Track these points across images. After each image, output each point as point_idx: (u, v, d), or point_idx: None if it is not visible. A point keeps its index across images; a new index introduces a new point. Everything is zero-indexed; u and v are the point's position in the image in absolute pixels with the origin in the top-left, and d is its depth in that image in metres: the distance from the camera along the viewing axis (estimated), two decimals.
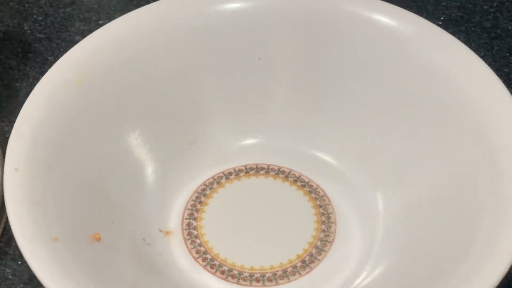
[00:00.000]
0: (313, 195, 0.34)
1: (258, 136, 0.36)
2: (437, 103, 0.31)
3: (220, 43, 0.34)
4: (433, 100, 0.31)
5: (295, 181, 0.34)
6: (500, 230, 0.25)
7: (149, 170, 0.33)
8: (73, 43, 0.42)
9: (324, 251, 0.31)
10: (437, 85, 0.31)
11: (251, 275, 0.31)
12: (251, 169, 0.35)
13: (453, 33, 0.43)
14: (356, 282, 0.30)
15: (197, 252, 0.31)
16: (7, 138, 0.37)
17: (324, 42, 0.34)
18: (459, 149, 0.30)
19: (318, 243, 0.32)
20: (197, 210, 0.33)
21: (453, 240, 0.27)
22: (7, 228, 0.33)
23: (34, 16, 0.45)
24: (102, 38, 0.32)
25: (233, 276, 0.31)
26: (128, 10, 0.45)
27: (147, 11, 0.33)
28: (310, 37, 0.34)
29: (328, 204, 0.33)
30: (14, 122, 0.37)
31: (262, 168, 0.35)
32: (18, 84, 0.40)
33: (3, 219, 0.33)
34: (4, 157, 0.35)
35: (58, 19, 0.44)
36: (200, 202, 0.33)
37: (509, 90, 0.39)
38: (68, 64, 0.31)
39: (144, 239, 0.31)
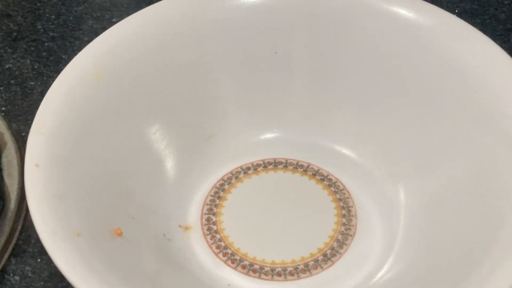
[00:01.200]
0: (332, 189, 0.33)
1: (276, 130, 0.36)
2: (459, 94, 0.30)
3: (237, 37, 0.34)
4: (454, 92, 0.31)
5: (314, 174, 0.34)
6: None
7: (168, 165, 0.33)
8: (86, 41, 0.42)
9: (346, 244, 0.31)
10: (458, 77, 0.31)
11: (272, 270, 0.30)
12: (269, 163, 0.35)
13: None
14: (378, 276, 0.30)
15: (218, 247, 0.31)
16: (23, 136, 0.37)
17: (342, 35, 0.33)
18: (481, 142, 0.29)
19: (339, 237, 0.31)
20: (216, 205, 0.33)
21: (474, 235, 0.27)
22: (24, 227, 0.33)
23: (47, 15, 0.45)
24: (119, 33, 0.32)
25: (254, 271, 0.30)
26: (141, 7, 0.44)
27: (164, 5, 0.33)
28: (327, 30, 0.33)
29: (348, 198, 0.33)
30: (29, 120, 0.37)
31: (280, 163, 0.35)
32: (32, 83, 0.40)
33: (21, 217, 0.33)
34: (19, 155, 0.35)
35: (71, 18, 0.44)
36: (219, 197, 0.33)
37: None
38: (86, 59, 0.31)
39: (164, 235, 0.31)
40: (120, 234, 0.28)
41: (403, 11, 0.33)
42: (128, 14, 0.44)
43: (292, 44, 0.34)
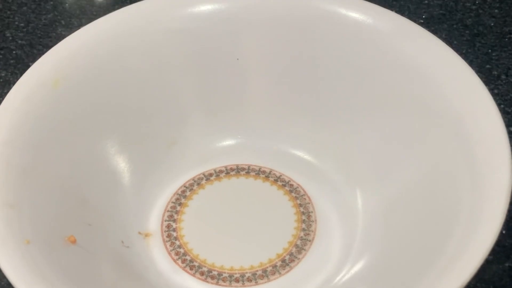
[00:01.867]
0: (293, 194, 0.34)
1: (239, 136, 0.36)
2: (415, 99, 0.31)
3: (197, 45, 0.34)
4: (411, 97, 0.31)
5: (276, 180, 0.34)
6: (475, 226, 0.25)
7: (128, 173, 0.33)
8: None
9: (304, 249, 0.31)
10: (415, 82, 0.31)
11: (230, 276, 0.30)
12: (232, 169, 0.35)
13: (435, 30, 0.43)
14: (336, 280, 0.30)
15: (177, 253, 0.31)
16: None
17: (301, 41, 0.34)
18: (437, 146, 0.29)
19: (298, 242, 0.32)
20: (176, 212, 0.33)
21: (430, 236, 0.27)
22: None
23: (16, 23, 0.45)
24: (78, 41, 0.32)
25: (212, 277, 0.30)
26: None
27: (123, 13, 0.33)
28: (287, 37, 0.34)
29: (309, 203, 0.33)
30: None
31: (243, 169, 0.35)
32: None
33: None
34: None
35: (40, 26, 0.45)
36: (180, 204, 0.33)
37: (491, 86, 0.40)
38: (44, 66, 0.31)
39: (122, 242, 0.31)
40: (74, 242, 0.28)
41: (362, 17, 0.33)
42: None
43: (253, 51, 0.34)
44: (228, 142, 0.36)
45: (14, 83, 0.40)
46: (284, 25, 0.34)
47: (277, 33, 0.34)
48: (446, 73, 0.30)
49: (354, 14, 0.33)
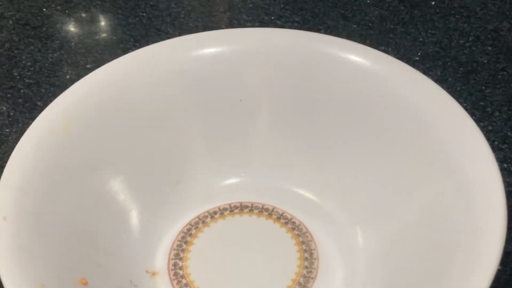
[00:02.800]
0: (296, 232, 0.35)
1: (242, 174, 0.37)
2: (412, 140, 0.32)
3: (201, 86, 0.35)
4: (407, 138, 0.32)
5: (279, 218, 0.35)
6: (473, 263, 0.26)
7: (135, 213, 0.34)
8: (61, 87, 0.43)
9: (307, 287, 0.32)
10: (412, 123, 0.32)
11: None
12: (236, 207, 0.36)
13: (430, 68, 0.44)
14: None
15: None
16: None
17: (302, 82, 0.35)
18: (433, 186, 0.31)
19: (301, 280, 0.33)
20: (183, 250, 0.34)
21: (430, 274, 0.28)
22: None
23: (23, 62, 0.46)
24: (87, 86, 0.33)
25: None
26: (115, 53, 0.46)
27: (129, 58, 0.34)
28: (289, 78, 0.35)
29: (311, 241, 0.34)
30: (4, 168, 0.38)
31: (246, 206, 0.36)
32: (8, 130, 0.41)
33: None
34: None
35: (47, 64, 0.46)
36: (186, 242, 0.34)
37: (485, 122, 0.41)
38: (54, 112, 0.32)
39: (131, 281, 0.32)
40: (85, 284, 0.29)
41: (360, 60, 0.34)
42: (102, 59, 0.46)
43: (256, 92, 0.36)
44: (232, 180, 0.37)
45: (22, 122, 0.42)
46: (286, 67, 0.35)
47: (279, 75, 0.35)
48: (441, 115, 0.31)
49: (352, 57, 0.34)
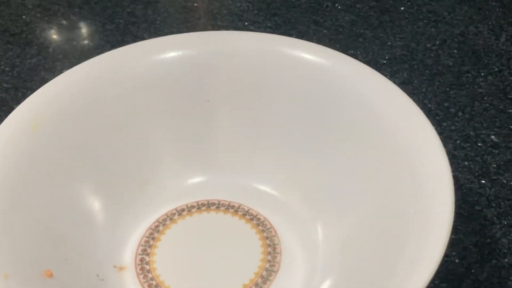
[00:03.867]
0: (260, 228, 0.36)
1: (209, 173, 0.38)
2: (369, 137, 0.33)
3: (166, 89, 0.36)
4: (365, 135, 0.33)
5: (244, 214, 0.36)
6: (419, 257, 0.27)
7: (104, 211, 0.35)
8: None
9: (269, 280, 0.33)
10: (369, 121, 0.33)
11: None
12: (203, 205, 0.37)
13: (397, 70, 0.46)
14: None
15: (149, 285, 0.33)
16: None
17: (265, 83, 0.36)
18: (388, 183, 0.32)
19: (264, 273, 0.34)
20: (150, 246, 0.35)
21: (381, 265, 0.29)
22: None
23: (2, 67, 0.47)
24: (56, 87, 0.34)
25: None
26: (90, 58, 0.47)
27: (97, 61, 0.36)
28: (252, 79, 0.36)
29: (274, 236, 0.35)
30: None
31: (213, 204, 0.37)
32: None
33: None
34: None
35: (25, 69, 0.47)
36: (153, 238, 0.35)
37: (449, 122, 0.42)
38: (24, 112, 0.33)
39: (98, 275, 0.33)
40: (50, 276, 0.30)
41: (319, 60, 0.35)
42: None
43: (219, 93, 0.37)
44: (199, 179, 0.38)
45: None
46: (250, 68, 0.36)
47: (241, 75, 0.36)
48: (396, 113, 0.32)
49: (312, 57, 0.36)
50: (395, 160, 0.32)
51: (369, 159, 0.33)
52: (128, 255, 0.35)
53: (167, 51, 0.36)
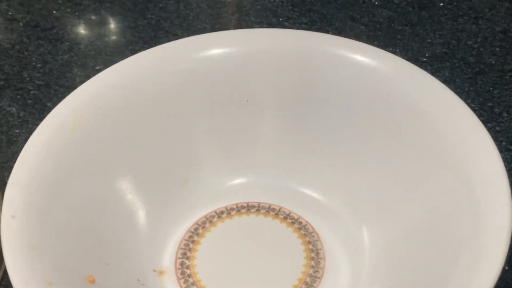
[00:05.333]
0: (302, 232, 0.35)
1: (249, 175, 0.37)
2: (418, 140, 0.32)
3: (208, 87, 0.35)
4: (414, 138, 0.32)
5: (285, 218, 0.35)
6: (477, 265, 0.26)
7: (142, 212, 0.34)
8: (70, 89, 0.44)
9: (313, 287, 0.32)
10: (417, 123, 0.32)
11: None
12: (243, 207, 0.36)
13: (438, 69, 0.45)
14: None
15: None
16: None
17: (308, 82, 0.35)
18: (439, 186, 0.31)
19: (308, 279, 0.33)
20: (190, 249, 0.34)
21: (434, 271, 0.28)
22: (5, 277, 0.34)
23: (33, 63, 0.46)
24: (96, 86, 0.34)
25: None
26: (124, 55, 0.47)
27: (138, 59, 0.35)
28: (295, 78, 0.35)
29: (317, 240, 0.34)
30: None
31: (253, 206, 0.36)
32: (17, 131, 0.42)
33: (3, 265, 0.34)
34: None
35: (57, 66, 0.46)
36: (193, 241, 0.34)
37: (493, 123, 0.41)
38: (63, 111, 0.32)
39: (138, 280, 0.32)
40: (92, 282, 0.29)
41: (366, 60, 0.34)
42: (111, 61, 0.46)
43: (263, 92, 0.36)
44: (239, 180, 0.37)
45: (32, 123, 0.42)
46: (292, 67, 0.35)
47: (285, 75, 0.35)
48: (447, 115, 0.31)
49: (358, 57, 0.34)
50: (445, 163, 0.31)
51: (417, 162, 0.32)
52: (168, 258, 0.34)
53: (209, 49, 0.35)
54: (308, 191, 0.36)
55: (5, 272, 0.34)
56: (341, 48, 0.35)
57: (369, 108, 0.34)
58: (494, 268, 0.26)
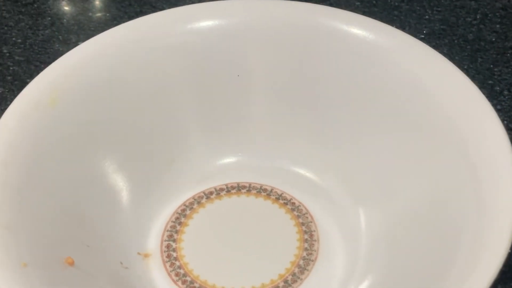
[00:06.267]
0: (295, 213, 0.33)
1: (239, 154, 0.35)
2: (419, 118, 0.30)
3: (197, 61, 0.33)
4: (414, 115, 0.30)
5: (277, 198, 0.34)
6: (479, 251, 0.25)
7: (127, 192, 0.32)
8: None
9: (307, 270, 0.31)
10: (418, 100, 0.30)
11: None
12: (233, 187, 0.34)
13: (436, 46, 0.43)
14: None
15: (177, 274, 0.31)
16: None
17: (302, 56, 0.33)
18: (440, 166, 0.29)
19: (301, 262, 0.31)
20: (176, 232, 0.32)
21: (434, 257, 0.27)
22: None
23: (14, 39, 0.44)
24: (75, 58, 0.32)
25: None
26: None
27: (121, 30, 0.33)
28: (288, 53, 0.33)
29: (311, 222, 0.32)
30: None
31: (244, 187, 0.34)
32: None
33: None
34: None
35: (38, 41, 0.44)
36: (180, 223, 0.33)
37: (494, 102, 0.39)
38: (40, 85, 0.30)
39: (121, 263, 0.30)
40: (71, 263, 0.27)
41: (364, 33, 0.32)
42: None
43: (254, 67, 0.34)
44: (229, 159, 0.35)
45: (11, 100, 0.40)
46: (285, 40, 0.33)
47: (278, 49, 0.33)
48: (450, 91, 0.29)
49: (355, 30, 0.33)
50: (449, 145, 0.29)
51: (418, 141, 0.30)
52: (153, 241, 0.32)
53: (198, 20, 0.33)
54: (301, 171, 0.34)
55: None
56: (337, 21, 0.33)
57: (366, 82, 0.32)
58: (497, 253, 0.24)
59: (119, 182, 0.32)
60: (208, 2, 0.34)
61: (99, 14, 0.47)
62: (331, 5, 0.46)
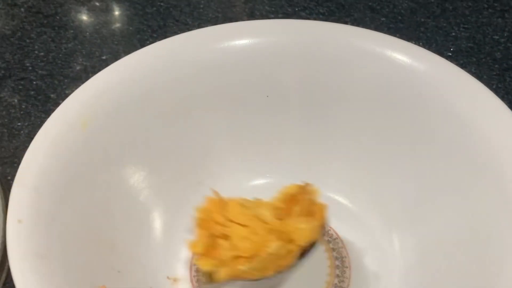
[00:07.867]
0: (326, 238, 0.32)
1: (268, 175, 0.35)
2: (453, 144, 0.30)
3: (227, 81, 0.33)
4: (448, 141, 0.30)
5: None
6: None
7: (156, 215, 0.32)
8: (75, 79, 0.41)
9: None
10: (453, 126, 0.30)
11: None
12: None
13: (464, 64, 0.42)
14: None
15: None
16: (9, 180, 0.36)
17: (335, 79, 0.33)
18: (476, 196, 0.28)
19: None
20: None
21: (471, 282, 0.26)
22: (8, 277, 0.32)
23: (36, 52, 0.44)
24: (106, 79, 0.31)
25: None
26: (132, 44, 0.44)
27: (152, 50, 0.32)
28: (320, 75, 0.33)
29: (342, 247, 0.32)
30: (15, 163, 0.36)
31: None
32: (19, 124, 0.39)
33: (5, 267, 0.32)
34: (5, 200, 0.34)
35: (60, 55, 0.44)
36: None
37: None
38: (72, 107, 0.30)
39: None
40: None
41: (398, 56, 0.32)
42: (118, 51, 0.44)
43: (284, 88, 0.33)
44: (257, 181, 0.35)
45: (35, 115, 0.40)
46: (316, 61, 0.33)
47: (311, 71, 0.33)
48: (488, 118, 0.29)
49: (389, 52, 0.32)
50: (484, 170, 0.28)
51: (454, 168, 0.30)
52: (182, 265, 0.32)
53: (227, 40, 0.33)
54: (331, 194, 0.34)
55: (8, 276, 0.32)
56: (369, 42, 0.32)
57: (399, 106, 0.32)
58: None
59: (148, 205, 0.32)
60: (239, 22, 0.34)
61: (121, 27, 0.46)
62: (355, 20, 0.45)
